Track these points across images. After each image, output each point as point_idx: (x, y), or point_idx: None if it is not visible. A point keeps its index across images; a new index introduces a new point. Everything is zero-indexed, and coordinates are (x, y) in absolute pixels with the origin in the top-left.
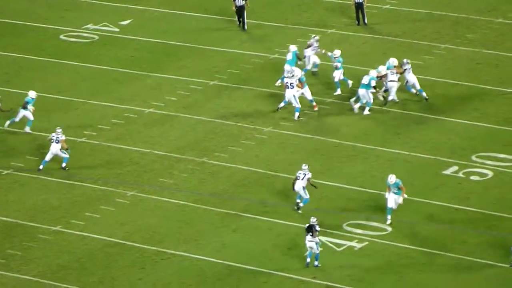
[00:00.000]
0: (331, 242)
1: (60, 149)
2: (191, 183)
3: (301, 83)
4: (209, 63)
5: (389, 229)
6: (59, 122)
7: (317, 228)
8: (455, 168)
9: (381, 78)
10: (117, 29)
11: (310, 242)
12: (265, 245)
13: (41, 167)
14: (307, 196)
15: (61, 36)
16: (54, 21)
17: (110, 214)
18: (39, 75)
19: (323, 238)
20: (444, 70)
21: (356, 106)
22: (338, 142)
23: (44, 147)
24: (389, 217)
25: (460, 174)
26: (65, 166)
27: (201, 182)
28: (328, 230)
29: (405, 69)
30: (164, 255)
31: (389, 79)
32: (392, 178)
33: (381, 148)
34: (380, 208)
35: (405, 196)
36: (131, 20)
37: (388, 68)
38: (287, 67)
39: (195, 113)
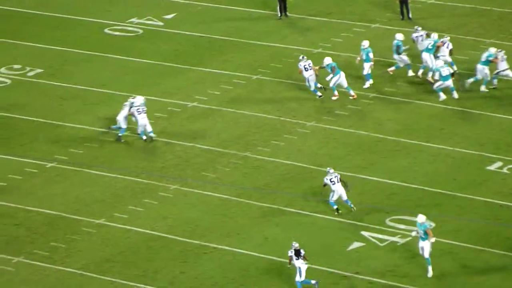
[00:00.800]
0: (373, 237)
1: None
2: (233, 177)
3: (331, 69)
4: (252, 57)
5: (433, 224)
6: (103, 115)
7: (302, 252)
8: (500, 163)
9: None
10: (161, 23)
11: (298, 262)
12: (307, 239)
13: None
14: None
15: (106, 30)
16: (99, 15)
17: (153, 207)
18: (83, 69)
19: (366, 234)
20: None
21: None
22: (381, 137)
23: (88, 139)
24: (429, 268)
25: (505, 170)
26: (152, 136)
27: (244, 176)
28: (370, 225)
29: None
30: (206, 249)
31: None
32: (421, 218)
33: (424, 143)
34: (423, 204)
35: (433, 239)
36: (175, 14)
37: (489, 57)
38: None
39: (238, 107)
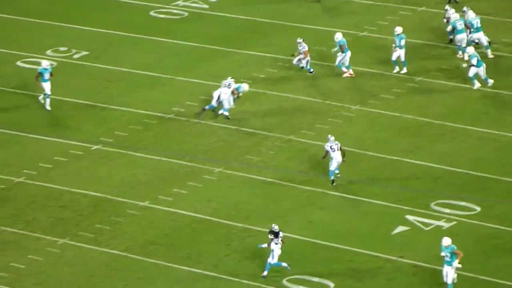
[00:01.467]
0: (418, 221)
1: (232, 95)
2: (278, 160)
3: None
4: (296, 40)
5: (478, 209)
6: (147, 98)
7: (281, 234)
8: None
9: None
10: (206, 6)
11: (276, 247)
12: (352, 223)
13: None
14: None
15: (151, 13)
16: None
17: (197, 190)
18: (128, 51)
19: (411, 217)
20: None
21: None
22: (427, 120)
23: (133, 122)
24: None
25: None
26: (227, 115)
27: (288, 160)
28: (415, 209)
29: None
30: (250, 231)
31: None
32: (447, 241)
33: (470, 127)
34: (468, 188)
35: (459, 265)
36: None
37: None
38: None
39: (282, 91)
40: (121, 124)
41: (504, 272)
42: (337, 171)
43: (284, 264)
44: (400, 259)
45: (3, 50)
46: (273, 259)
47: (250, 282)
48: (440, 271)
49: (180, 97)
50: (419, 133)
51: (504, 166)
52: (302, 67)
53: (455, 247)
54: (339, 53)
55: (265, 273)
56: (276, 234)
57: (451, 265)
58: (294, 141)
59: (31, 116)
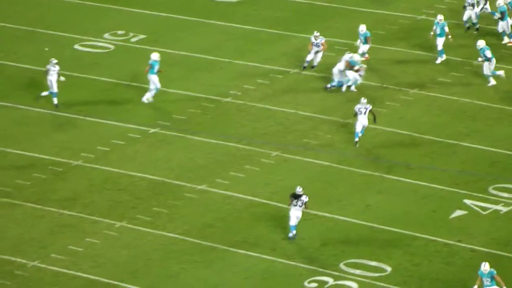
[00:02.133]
0: (476, 205)
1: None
2: (335, 144)
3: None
4: (354, 24)
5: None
6: (205, 81)
7: (304, 199)
8: None
9: None
10: None
11: (296, 211)
12: (409, 207)
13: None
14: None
15: None
16: None
17: (254, 173)
18: (186, 35)
19: (469, 202)
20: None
21: None
22: (485, 104)
23: (191, 105)
24: None
25: None
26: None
27: (346, 143)
28: (473, 193)
29: None
30: (307, 215)
31: None
32: (485, 266)
33: None
34: None
35: None
36: None
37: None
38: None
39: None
40: (180, 108)
41: None
42: (358, 136)
43: (291, 234)
44: (458, 243)
45: (61, 33)
46: (290, 222)
47: (307, 266)
48: (500, 256)
49: (237, 80)
50: (476, 116)
51: None
52: (312, 67)
53: (495, 272)
54: (363, 44)
55: (291, 234)
56: (296, 196)
57: None
58: (351, 125)
59: (89, 99)
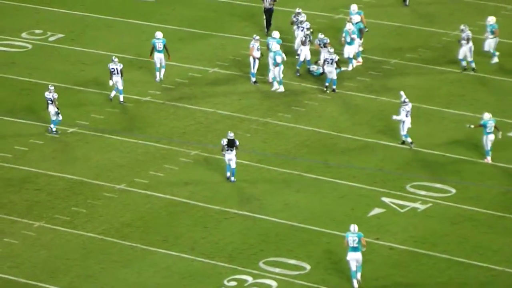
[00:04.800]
0: (394, 203)
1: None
2: (254, 143)
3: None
4: (276, 23)
5: (453, 191)
6: (124, 80)
7: (237, 143)
8: None
9: None
10: None
11: (229, 155)
12: (328, 205)
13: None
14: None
15: None
16: None
17: (174, 173)
18: (104, 34)
19: (386, 199)
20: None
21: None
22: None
23: (110, 105)
24: None
25: None
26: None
27: (265, 142)
28: (391, 191)
29: None
30: (227, 214)
31: None
32: (355, 228)
33: (445, 109)
34: (443, 170)
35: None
36: None
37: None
38: None
39: (258, 73)
40: (98, 107)
41: (479, 254)
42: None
43: (233, 179)
44: (376, 241)
45: None
46: (231, 166)
47: (226, 265)
48: (417, 253)
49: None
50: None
51: (479, 148)
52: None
53: (362, 235)
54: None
55: (232, 178)
56: (230, 143)
57: (358, 250)
58: (270, 124)
59: (6, 98)
